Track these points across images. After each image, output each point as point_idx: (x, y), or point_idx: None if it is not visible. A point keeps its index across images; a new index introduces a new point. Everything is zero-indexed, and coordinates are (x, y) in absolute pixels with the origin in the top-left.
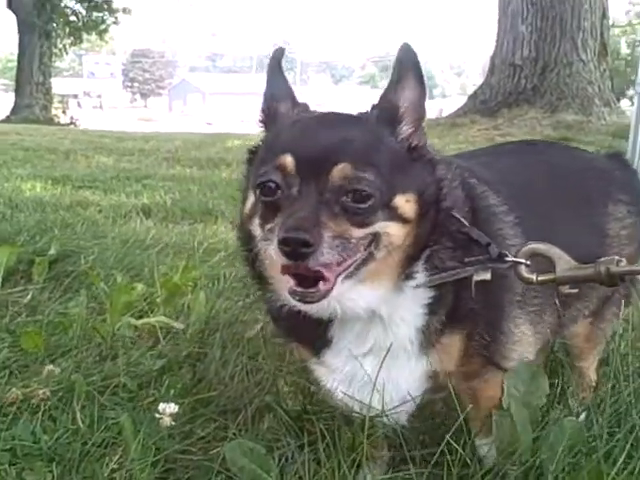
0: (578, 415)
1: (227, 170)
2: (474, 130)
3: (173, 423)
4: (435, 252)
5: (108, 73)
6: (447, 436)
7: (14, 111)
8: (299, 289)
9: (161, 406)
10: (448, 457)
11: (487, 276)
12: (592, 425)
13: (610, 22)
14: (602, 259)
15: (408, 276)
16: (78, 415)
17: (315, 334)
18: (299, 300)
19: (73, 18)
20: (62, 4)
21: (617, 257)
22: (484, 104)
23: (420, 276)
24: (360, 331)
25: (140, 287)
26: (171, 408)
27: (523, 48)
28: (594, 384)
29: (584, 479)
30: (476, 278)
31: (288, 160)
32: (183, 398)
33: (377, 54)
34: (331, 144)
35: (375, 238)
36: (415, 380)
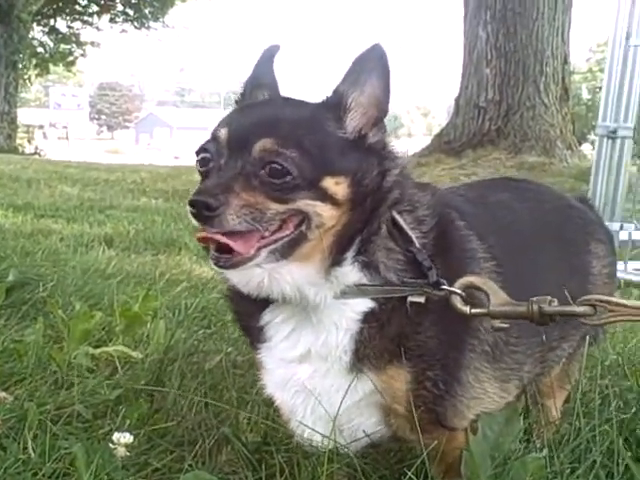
0: (540, 451)
1: None
2: (439, 169)
3: (128, 454)
4: (369, 248)
5: (75, 104)
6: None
7: None
8: (215, 254)
9: (115, 436)
10: None
11: (421, 300)
12: (554, 461)
13: (572, 68)
14: (535, 298)
15: (336, 262)
16: (30, 444)
17: (254, 324)
18: (215, 265)
19: (40, 49)
20: (30, 35)
21: (549, 297)
22: (449, 144)
23: (350, 269)
24: (292, 330)
25: (99, 316)
26: (126, 438)
27: (487, 91)
28: (557, 422)
29: None
30: (410, 299)
31: (222, 132)
32: (139, 429)
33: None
34: (262, 121)
35: (305, 218)
36: (354, 403)
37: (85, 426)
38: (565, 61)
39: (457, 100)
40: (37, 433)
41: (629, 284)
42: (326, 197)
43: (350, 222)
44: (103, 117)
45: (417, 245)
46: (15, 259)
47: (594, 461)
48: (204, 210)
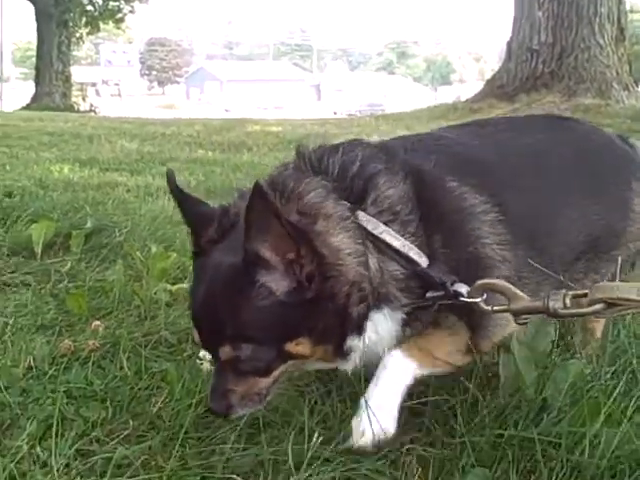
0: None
1: (249, 153)
2: (492, 115)
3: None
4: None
5: (125, 61)
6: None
7: (34, 99)
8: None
9: (201, 353)
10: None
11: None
12: (592, 365)
13: (629, 7)
14: (554, 292)
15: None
16: (125, 364)
17: None
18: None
19: (90, 7)
20: None
21: (564, 291)
22: (502, 89)
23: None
24: None
25: (174, 256)
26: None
27: (540, 33)
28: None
29: (584, 411)
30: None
31: (195, 335)
32: None
33: (394, 40)
34: (209, 326)
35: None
36: None
37: (170, 350)
38: (620, 0)
39: (509, 44)
40: (129, 356)
41: None
42: (294, 356)
43: (333, 345)
44: (153, 73)
45: (422, 264)
46: (88, 209)
47: (630, 362)
48: (223, 417)
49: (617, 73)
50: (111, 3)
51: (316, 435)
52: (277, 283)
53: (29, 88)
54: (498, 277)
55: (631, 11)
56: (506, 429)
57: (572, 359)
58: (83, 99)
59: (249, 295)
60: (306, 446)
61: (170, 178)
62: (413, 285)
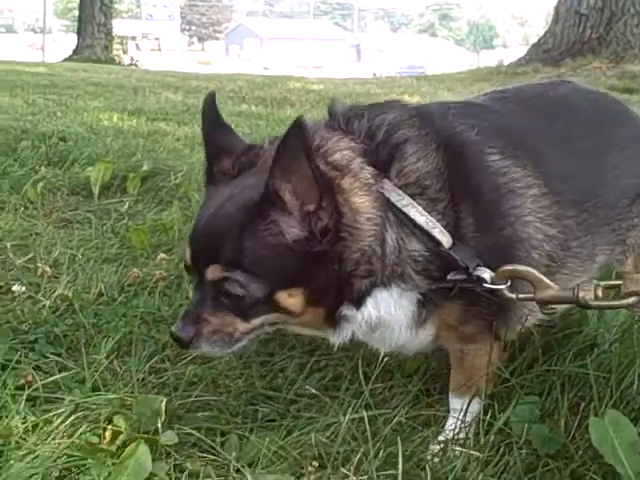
0: None
1: (291, 109)
2: (537, 79)
3: None
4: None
5: (166, 16)
6: None
7: (77, 51)
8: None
9: None
10: None
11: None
12: None
13: None
14: (585, 282)
15: (338, 322)
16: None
17: None
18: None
19: None
20: None
21: (596, 282)
22: (547, 53)
23: (371, 306)
24: None
25: None
26: None
27: None
28: None
29: (633, 347)
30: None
31: (187, 253)
32: None
33: (436, 2)
34: (208, 243)
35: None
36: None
37: None
38: None
39: (557, 7)
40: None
41: None
42: (283, 309)
43: (325, 309)
44: (193, 28)
45: (445, 246)
46: (139, 155)
47: None
48: (180, 345)
49: None
50: None
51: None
52: (289, 227)
53: (70, 40)
54: (541, 256)
55: None
56: (556, 364)
57: None
58: (124, 52)
59: (257, 227)
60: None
61: (209, 99)
62: (433, 267)
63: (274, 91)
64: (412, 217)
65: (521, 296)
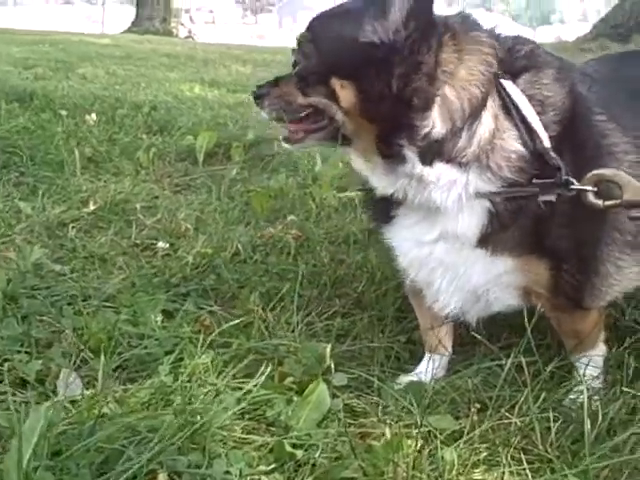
0: None
1: None
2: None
3: None
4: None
5: None
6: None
7: (135, 23)
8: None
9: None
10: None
11: (552, 198)
12: None
13: None
14: None
15: (394, 158)
16: (323, 253)
17: (386, 213)
18: (282, 141)
19: None
20: None
21: None
22: (615, 29)
23: (443, 169)
24: (424, 217)
25: (340, 167)
26: None
27: None
28: None
29: None
30: (541, 198)
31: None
32: None
33: None
34: (316, 17)
35: (327, 115)
36: (493, 278)
37: (358, 245)
38: None
39: None
40: (324, 247)
41: None
42: (335, 99)
43: (380, 131)
44: (247, 1)
45: (546, 141)
46: (231, 126)
47: None
48: (254, 98)
49: None
50: None
51: None
52: (374, 26)
53: (126, 12)
54: None
55: None
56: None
57: None
58: (182, 24)
59: (349, 16)
60: None
61: None
62: (525, 165)
63: None
64: (520, 108)
65: (608, 203)
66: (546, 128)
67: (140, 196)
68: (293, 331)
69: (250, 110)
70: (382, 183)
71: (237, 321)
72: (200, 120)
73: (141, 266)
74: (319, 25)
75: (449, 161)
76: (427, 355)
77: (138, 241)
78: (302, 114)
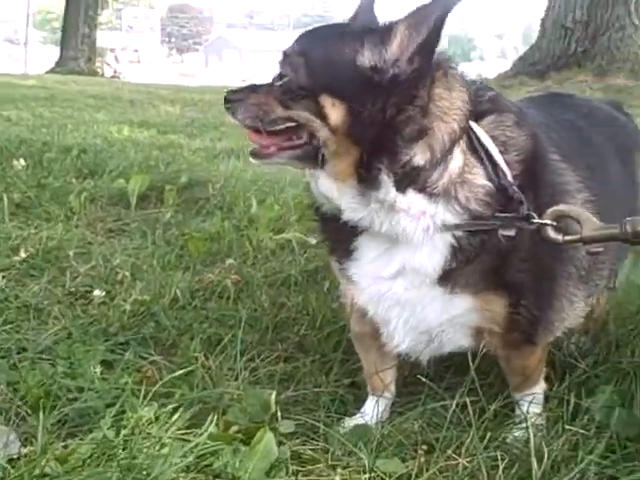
0: None
1: None
2: (523, 92)
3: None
4: (432, 176)
5: (146, 27)
6: None
7: (59, 63)
8: (252, 149)
9: (342, 286)
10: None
11: (511, 233)
12: None
13: None
14: (628, 219)
15: (368, 183)
16: (263, 297)
17: (345, 245)
18: (250, 155)
19: None
20: None
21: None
22: (533, 66)
23: (413, 198)
24: (385, 250)
25: (277, 208)
26: None
27: (575, 11)
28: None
29: None
30: (501, 232)
31: None
32: None
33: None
34: (304, 34)
35: (312, 133)
36: (449, 319)
37: (296, 288)
38: None
39: (543, 21)
40: (263, 290)
41: None
42: (322, 116)
43: (361, 154)
44: (173, 40)
45: (510, 178)
46: (162, 168)
47: None
48: (225, 102)
49: None
50: None
51: None
52: (374, 52)
53: (49, 52)
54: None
55: None
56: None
57: None
58: (108, 64)
59: (347, 37)
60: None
61: None
62: (489, 199)
63: None
64: (486, 146)
65: (567, 238)
66: (509, 166)
67: (73, 242)
68: (236, 378)
69: (182, 152)
70: (352, 207)
71: (180, 372)
72: (131, 163)
73: (77, 315)
74: (312, 41)
75: (421, 191)
76: (371, 398)
77: (73, 289)
78: (279, 127)
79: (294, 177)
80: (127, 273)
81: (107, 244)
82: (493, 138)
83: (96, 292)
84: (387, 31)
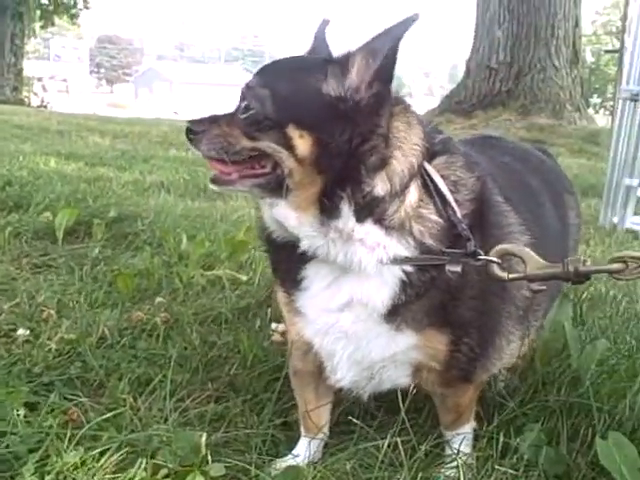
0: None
1: None
2: (451, 129)
3: (282, 339)
4: (389, 209)
5: (75, 57)
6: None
7: None
8: (212, 175)
9: (273, 325)
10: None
11: (458, 269)
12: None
13: None
14: (569, 258)
15: (333, 217)
16: (193, 335)
17: (293, 275)
18: (210, 182)
19: (45, 1)
20: None
21: (582, 257)
22: (459, 105)
23: (369, 229)
24: (333, 280)
25: (207, 244)
26: (281, 327)
27: (499, 52)
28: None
29: (622, 377)
30: (448, 268)
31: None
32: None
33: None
34: (267, 66)
35: (277, 164)
36: (392, 355)
37: (226, 326)
38: (576, 24)
39: (469, 61)
40: (194, 329)
41: None
42: (289, 147)
43: (326, 183)
44: (102, 70)
45: (459, 215)
46: (90, 202)
47: None
48: (189, 133)
49: (570, 95)
50: None
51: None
52: (337, 81)
53: None
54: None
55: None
56: (551, 394)
57: (599, 338)
58: (35, 94)
59: (310, 68)
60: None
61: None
62: (439, 234)
63: None
64: (438, 185)
65: (512, 275)
66: (459, 205)
67: None
68: (166, 420)
69: (111, 185)
70: (311, 236)
71: (107, 415)
72: (58, 196)
73: (0, 355)
74: (276, 73)
75: (378, 222)
76: (304, 438)
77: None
78: (244, 157)
79: (225, 213)
80: (53, 311)
81: (32, 280)
82: (444, 177)
83: (20, 331)
84: (346, 60)
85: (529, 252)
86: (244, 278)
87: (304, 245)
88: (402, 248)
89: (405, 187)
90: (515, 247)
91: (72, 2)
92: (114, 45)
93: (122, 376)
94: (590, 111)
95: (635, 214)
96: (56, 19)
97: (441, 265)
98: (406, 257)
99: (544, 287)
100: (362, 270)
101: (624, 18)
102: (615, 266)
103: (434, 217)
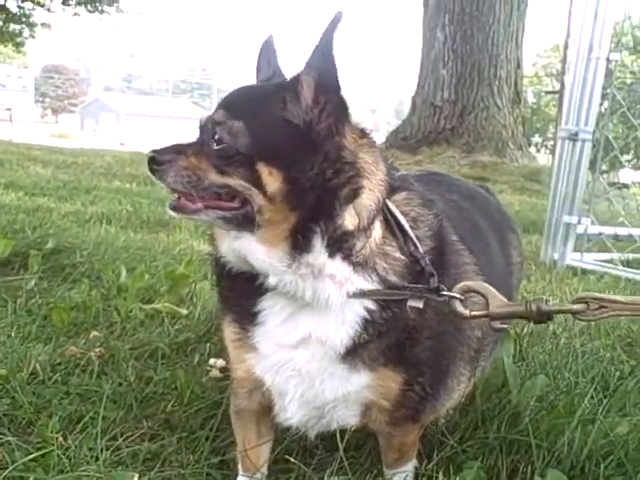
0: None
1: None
2: (397, 165)
3: (221, 375)
4: (355, 246)
5: (20, 86)
6: None
7: None
8: (172, 202)
9: (212, 360)
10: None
11: (419, 305)
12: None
13: None
14: (532, 298)
15: (305, 250)
16: (129, 371)
17: (248, 308)
18: (169, 208)
19: None
20: None
21: (544, 297)
22: (405, 141)
23: (336, 265)
24: (290, 315)
25: (147, 277)
26: (220, 362)
27: (443, 90)
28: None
29: (560, 412)
30: (409, 304)
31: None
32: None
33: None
34: (229, 98)
35: (247, 200)
36: (344, 394)
37: (163, 361)
38: (518, 65)
39: (414, 98)
40: (130, 364)
41: (585, 272)
42: (259, 185)
43: (298, 219)
44: (47, 100)
45: (421, 251)
46: (28, 232)
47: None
48: (153, 163)
49: (512, 133)
50: (12, 26)
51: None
52: (294, 105)
53: None
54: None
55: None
56: (490, 431)
57: (539, 374)
58: None
59: (271, 98)
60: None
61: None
62: (401, 270)
63: (145, 168)
64: (400, 221)
65: (474, 313)
66: (420, 241)
67: None
68: (97, 459)
69: (51, 216)
70: (280, 271)
71: (34, 454)
72: None
73: None
74: (244, 104)
75: (347, 258)
76: (241, 477)
77: None
78: (213, 192)
79: (167, 246)
80: None
81: None
82: (404, 214)
83: None
84: (296, 83)
85: (492, 290)
86: (184, 312)
87: (272, 281)
88: (367, 284)
89: (371, 222)
90: (479, 284)
91: (18, 30)
92: (60, 75)
93: (52, 414)
94: (532, 150)
95: (575, 251)
96: (1, 47)
97: (403, 302)
98: (367, 291)
99: (506, 326)
100: (328, 306)
101: (564, 60)
102: (577, 306)
103: (397, 254)
